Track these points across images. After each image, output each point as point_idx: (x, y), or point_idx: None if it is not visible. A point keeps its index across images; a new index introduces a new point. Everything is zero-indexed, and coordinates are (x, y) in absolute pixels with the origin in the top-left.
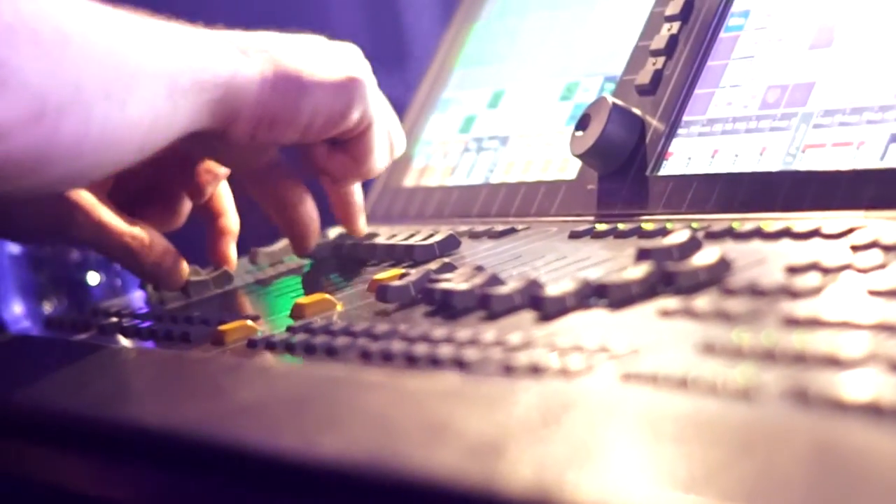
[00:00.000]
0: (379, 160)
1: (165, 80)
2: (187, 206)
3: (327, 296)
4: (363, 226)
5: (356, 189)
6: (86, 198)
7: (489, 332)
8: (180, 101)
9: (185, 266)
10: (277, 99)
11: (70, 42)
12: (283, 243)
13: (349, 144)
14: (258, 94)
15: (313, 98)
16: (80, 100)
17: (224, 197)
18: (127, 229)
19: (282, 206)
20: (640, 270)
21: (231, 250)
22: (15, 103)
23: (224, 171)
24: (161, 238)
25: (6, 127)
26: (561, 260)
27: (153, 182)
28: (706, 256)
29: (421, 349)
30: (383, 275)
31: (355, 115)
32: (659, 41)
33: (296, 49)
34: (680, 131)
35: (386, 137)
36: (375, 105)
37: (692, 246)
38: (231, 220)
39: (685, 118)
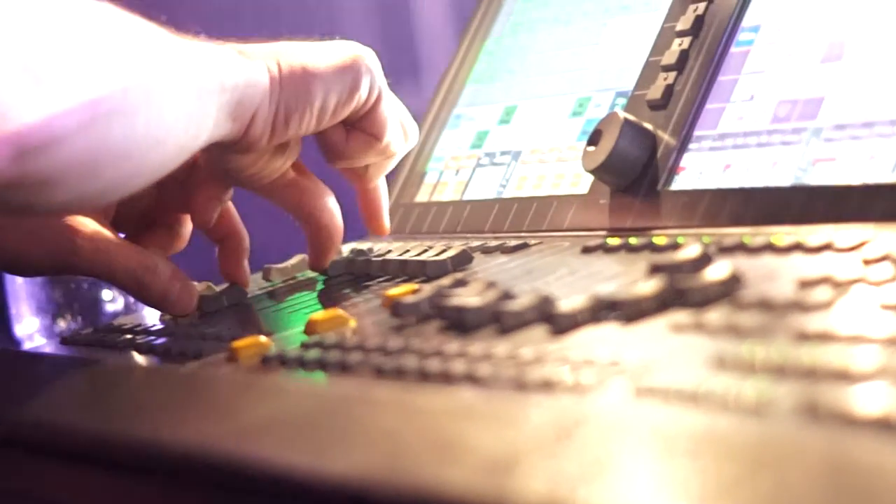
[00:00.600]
0: (394, 134)
1: (194, 83)
2: (188, 227)
3: (340, 312)
4: (387, 224)
5: (381, 186)
6: (88, 225)
7: (502, 348)
8: (207, 103)
9: (194, 290)
10: (288, 91)
11: (118, 49)
12: (295, 260)
13: (363, 121)
14: (269, 91)
15: (322, 83)
16: (127, 104)
17: (232, 216)
18: (133, 255)
19: (307, 214)
20: (651, 285)
21: (244, 268)
22: (72, 109)
23: (228, 193)
24: (168, 263)
25: (64, 132)
26: (573, 275)
27: (154, 207)
28: (718, 271)
29: (434, 365)
30: (396, 290)
31: (364, 90)
32: (670, 56)
33: (294, 46)
34: (691, 146)
35: (397, 112)
36: (382, 81)
37: (704, 260)
38: (241, 238)
39: (696, 133)
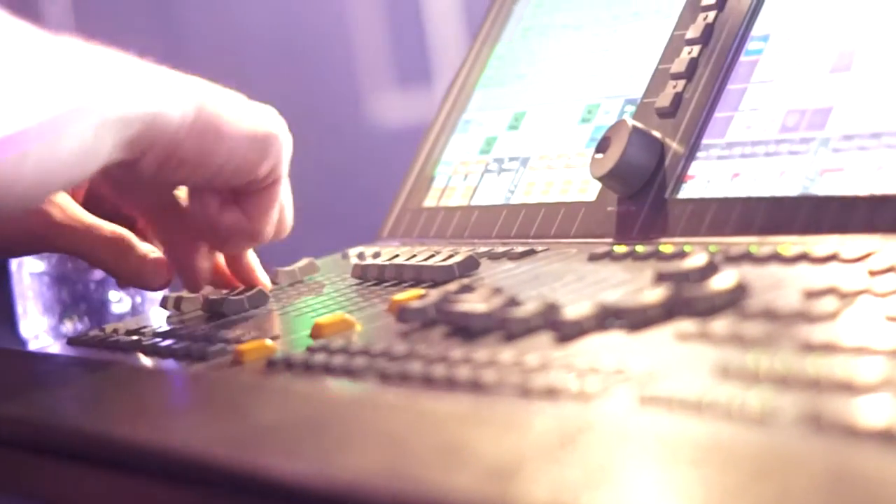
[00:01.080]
0: (270, 224)
1: (95, 116)
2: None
3: (346, 316)
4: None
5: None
6: (64, 200)
7: (507, 354)
8: (106, 135)
9: (167, 265)
10: (193, 140)
11: (12, 87)
12: (302, 263)
13: (249, 199)
14: (175, 132)
15: (228, 145)
16: (19, 142)
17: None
18: (109, 230)
19: (173, 246)
20: (657, 293)
21: (257, 272)
22: None
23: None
24: (139, 240)
25: None
26: (579, 282)
27: (117, 210)
28: (724, 280)
29: (439, 370)
30: (402, 295)
31: (265, 169)
32: (679, 64)
33: (221, 97)
34: (699, 154)
35: (284, 202)
36: (285, 168)
37: (710, 269)
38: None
39: (704, 141)
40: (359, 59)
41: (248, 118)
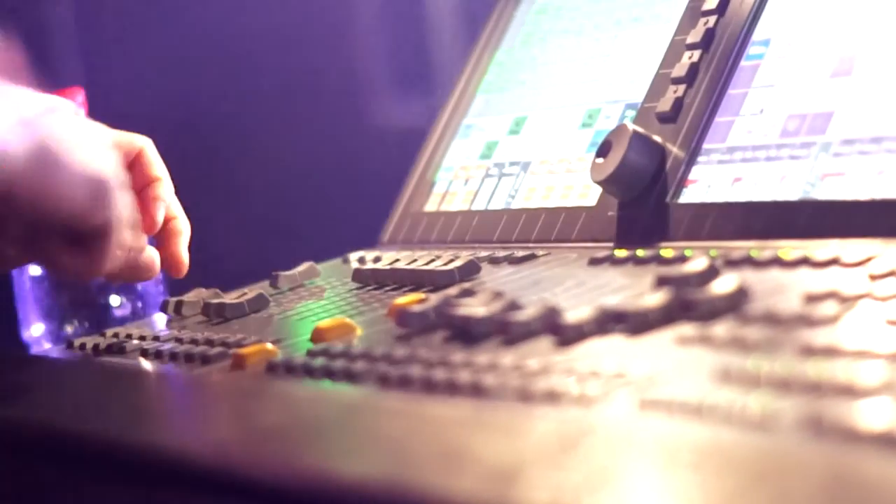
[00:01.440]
0: (112, 264)
1: None
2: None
3: (347, 320)
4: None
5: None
6: None
7: (507, 358)
8: None
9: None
10: (28, 177)
11: None
12: (303, 267)
13: (87, 243)
14: (12, 167)
15: (61, 188)
16: None
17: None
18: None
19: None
20: (658, 297)
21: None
22: None
23: None
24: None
25: None
26: (580, 286)
27: None
28: (724, 284)
29: (439, 374)
30: (403, 300)
31: (97, 215)
32: (680, 69)
33: (63, 128)
34: (700, 159)
35: (122, 245)
36: (121, 209)
37: (710, 273)
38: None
39: (705, 146)
40: (360, 64)
41: (90, 161)
